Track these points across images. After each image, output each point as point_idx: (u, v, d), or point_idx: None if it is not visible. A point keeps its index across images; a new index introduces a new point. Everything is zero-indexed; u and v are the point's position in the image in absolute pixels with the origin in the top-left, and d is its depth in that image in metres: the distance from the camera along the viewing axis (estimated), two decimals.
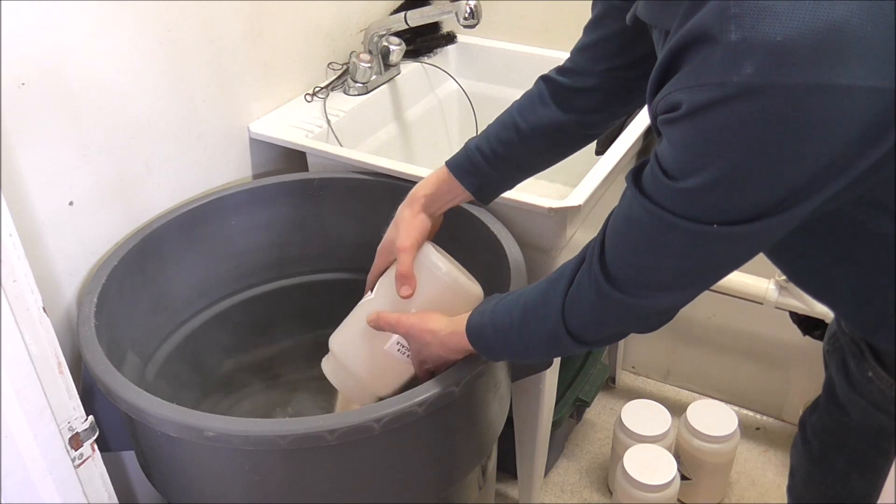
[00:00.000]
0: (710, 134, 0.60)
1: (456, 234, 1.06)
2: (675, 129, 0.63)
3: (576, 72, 0.94)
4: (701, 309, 1.75)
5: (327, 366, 1.05)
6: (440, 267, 0.97)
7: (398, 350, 0.98)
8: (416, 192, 1.01)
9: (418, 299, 0.97)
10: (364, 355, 1.01)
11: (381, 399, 0.99)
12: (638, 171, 0.70)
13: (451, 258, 1.02)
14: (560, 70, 0.96)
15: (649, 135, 1.29)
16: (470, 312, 0.90)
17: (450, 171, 1.00)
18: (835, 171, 0.61)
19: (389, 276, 1.01)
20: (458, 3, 1.29)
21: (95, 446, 0.89)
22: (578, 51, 0.94)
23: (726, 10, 0.57)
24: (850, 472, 1.04)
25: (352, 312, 1.04)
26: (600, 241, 0.75)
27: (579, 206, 1.09)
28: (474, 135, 1.57)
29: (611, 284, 0.74)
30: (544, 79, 0.97)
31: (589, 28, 0.92)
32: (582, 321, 0.79)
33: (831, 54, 0.55)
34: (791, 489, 1.16)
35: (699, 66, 0.59)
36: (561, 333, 0.80)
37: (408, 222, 0.99)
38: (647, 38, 0.77)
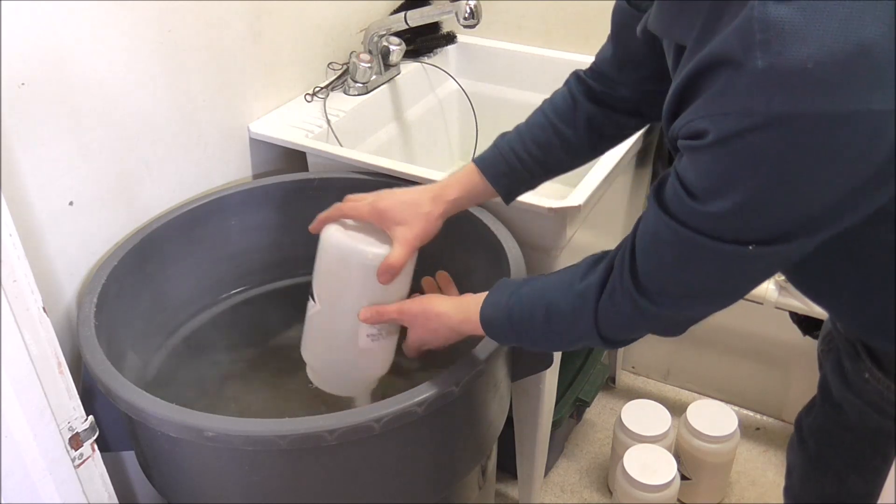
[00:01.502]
0: (738, 161, 0.60)
1: (456, 233, 1.06)
2: (700, 156, 0.62)
3: (606, 79, 0.93)
4: None
5: (313, 376, 1.05)
6: (367, 253, 0.94)
7: (372, 340, 0.98)
8: (444, 194, 0.96)
9: (364, 299, 0.95)
10: (343, 361, 1.02)
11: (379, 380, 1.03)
12: (659, 187, 0.70)
13: (357, 224, 0.98)
14: (592, 74, 0.94)
15: (649, 135, 1.29)
16: (481, 299, 0.89)
17: (482, 172, 0.96)
18: (865, 192, 0.61)
19: (329, 287, 1.00)
20: (458, 3, 1.29)
21: (95, 446, 0.89)
22: (605, 60, 0.93)
23: (751, 35, 0.55)
24: (846, 472, 1.04)
25: (307, 325, 1.03)
26: (630, 254, 0.75)
27: (579, 206, 1.09)
28: (474, 134, 1.59)
29: (645, 298, 0.74)
30: (578, 79, 0.96)
31: (612, 37, 0.91)
32: (616, 329, 0.79)
33: (861, 80, 0.54)
34: (788, 489, 1.16)
35: (723, 92, 0.58)
36: (593, 338, 0.80)
37: (424, 222, 0.95)
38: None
